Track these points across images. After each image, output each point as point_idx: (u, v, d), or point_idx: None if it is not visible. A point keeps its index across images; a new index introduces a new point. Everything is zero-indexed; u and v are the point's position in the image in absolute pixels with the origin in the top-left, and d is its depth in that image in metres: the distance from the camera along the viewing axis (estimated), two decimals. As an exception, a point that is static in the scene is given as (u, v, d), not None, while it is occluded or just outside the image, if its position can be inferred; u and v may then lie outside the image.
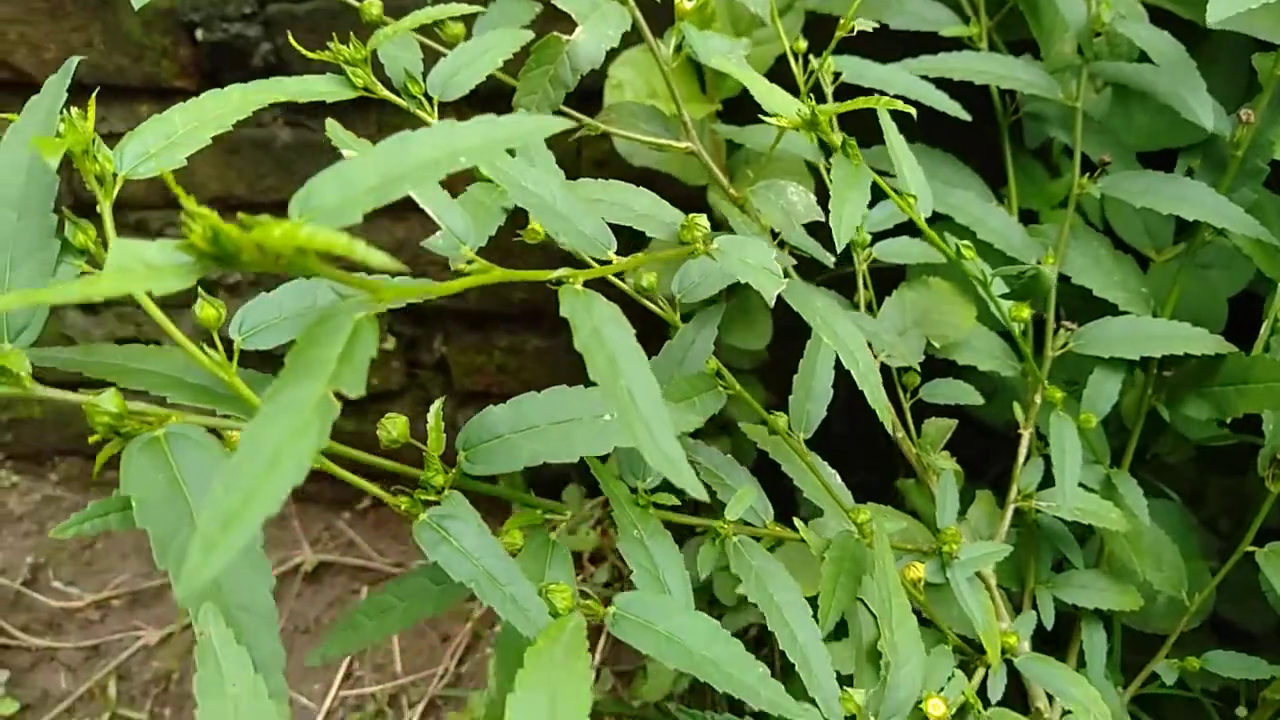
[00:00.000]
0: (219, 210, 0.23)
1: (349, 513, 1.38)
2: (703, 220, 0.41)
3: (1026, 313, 0.59)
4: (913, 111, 0.47)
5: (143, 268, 0.24)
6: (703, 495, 0.28)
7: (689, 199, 0.63)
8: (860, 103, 0.46)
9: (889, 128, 0.52)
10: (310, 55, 0.45)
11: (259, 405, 0.23)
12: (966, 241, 0.53)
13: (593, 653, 1.23)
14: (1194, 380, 0.69)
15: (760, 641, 1.06)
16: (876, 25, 0.55)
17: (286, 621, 1.31)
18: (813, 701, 0.44)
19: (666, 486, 0.48)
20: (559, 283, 0.32)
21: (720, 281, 0.50)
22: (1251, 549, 0.71)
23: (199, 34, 0.96)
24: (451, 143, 0.25)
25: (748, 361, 1.00)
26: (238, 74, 0.95)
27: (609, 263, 0.37)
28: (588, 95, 0.86)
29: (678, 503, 0.46)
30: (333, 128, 0.36)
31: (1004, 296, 0.59)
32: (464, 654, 1.24)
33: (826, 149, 0.51)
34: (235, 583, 0.30)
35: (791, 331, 0.65)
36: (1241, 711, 0.81)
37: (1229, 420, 0.70)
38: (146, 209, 1.09)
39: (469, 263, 0.33)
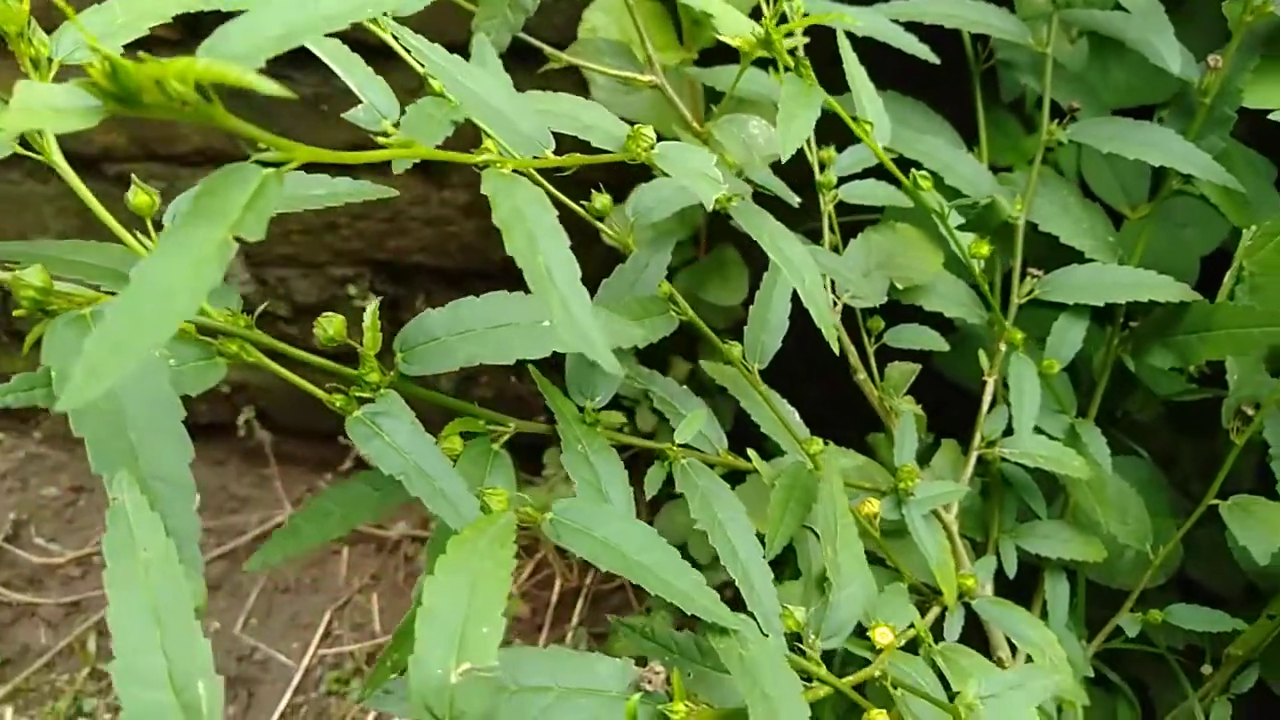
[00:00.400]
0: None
1: (331, 474, 1.38)
2: (649, 131, 0.41)
3: (985, 249, 0.59)
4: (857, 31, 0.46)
5: (48, 110, 0.24)
6: (617, 369, 0.28)
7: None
8: (816, 19, 0.46)
9: (848, 55, 0.51)
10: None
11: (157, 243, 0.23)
12: (924, 172, 0.53)
13: (570, 615, 1.23)
14: (1159, 329, 0.69)
15: (737, 603, 1.07)
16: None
17: (267, 580, 1.31)
18: (753, 617, 0.44)
19: (615, 404, 0.48)
20: (485, 165, 0.32)
21: (675, 204, 0.50)
22: (1216, 502, 0.71)
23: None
24: (358, -5, 0.25)
25: (723, 320, 1.00)
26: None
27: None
28: (564, 44, 0.86)
29: (624, 420, 0.46)
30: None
31: (961, 229, 0.59)
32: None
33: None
34: (153, 453, 0.30)
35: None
36: (1207, 668, 0.81)
37: (1193, 370, 0.70)
38: (127, 161, 1.09)
39: (387, 135, 0.33)
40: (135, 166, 1.09)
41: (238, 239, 0.23)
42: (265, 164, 0.26)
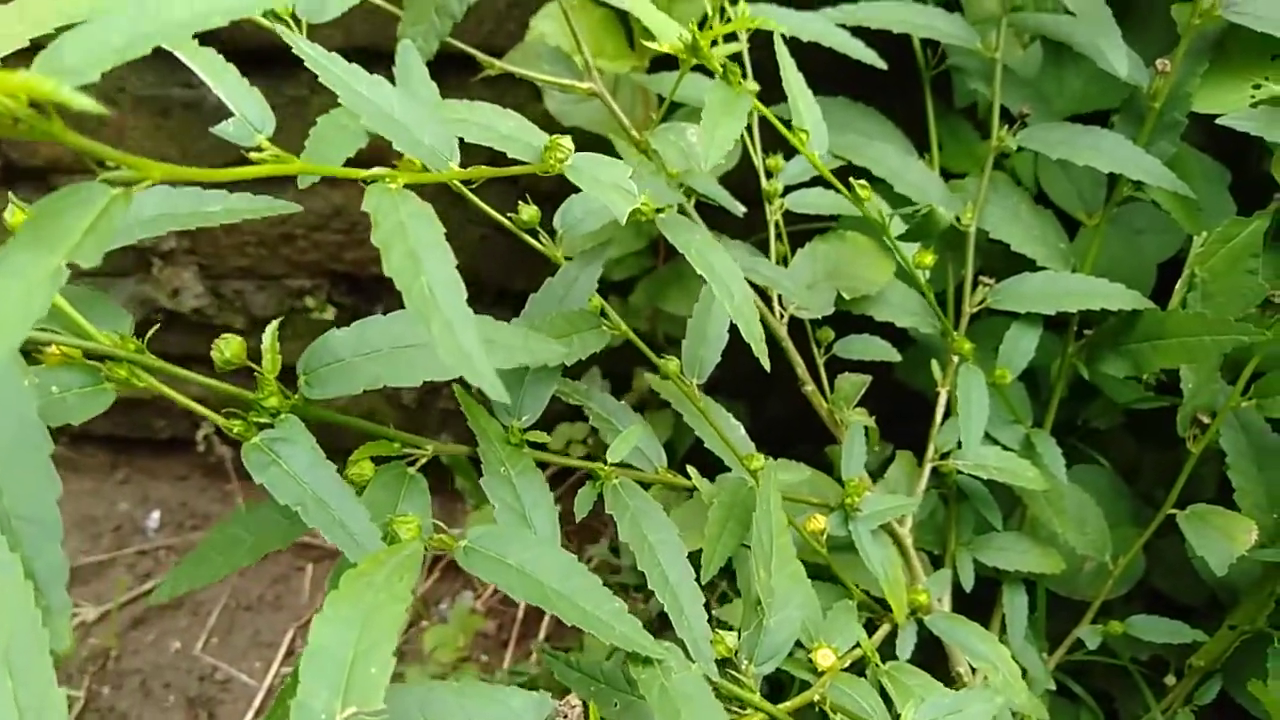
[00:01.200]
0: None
1: (293, 489, 1.36)
2: (565, 142, 0.40)
3: (930, 258, 0.58)
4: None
5: None
6: (503, 396, 0.27)
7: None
8: (739, 24, 0.44)
9: (785, 59, 0.50)
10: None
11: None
12: (863, 181, 0.52)
13: (536, 631, 1.22)
14: (1112, 338, 0.68)
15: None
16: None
17: (229, 598, 1.29)
18: (682, 644, 0.42)
19: (542, 425, 0.46)
20: (371, 180, 0.30)
21: (604, 215, 0.48)
22: (1174, 511, 0.70)
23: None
24: (210, 1, 0.23)
25: (683, 330, 0.98)
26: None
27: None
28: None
29: (546, 438, 0.44)
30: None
31: (904, 238, 0.58)
32: (405, 630, 1.22)
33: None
34: (17, 490, 0.28)
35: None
36: (1170, 680, 0.80)
37: (1147, 377, 0.69)
38: (79, 173, 1.07)
39: (260, 150, 0.31)
40: (85, 178, 1.07)
41: (72, 267, 0.22)
42: (115, 184, 0.24)
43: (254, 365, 0.37)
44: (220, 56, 0.34)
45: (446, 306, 0.27)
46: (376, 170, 0.31)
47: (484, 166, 0.36)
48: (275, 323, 0.36)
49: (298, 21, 0.45)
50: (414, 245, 0.28)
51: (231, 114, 0.33)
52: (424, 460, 0.42)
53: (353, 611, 0.31)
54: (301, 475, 0.35)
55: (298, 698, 0.29)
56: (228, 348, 0.36)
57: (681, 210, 0.53)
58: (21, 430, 0.29)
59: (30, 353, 0.33)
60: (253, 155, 0.31)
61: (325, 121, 0.40)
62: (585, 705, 0.37)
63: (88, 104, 0.19)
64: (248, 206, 0.36)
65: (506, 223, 0.47)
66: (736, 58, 0.58)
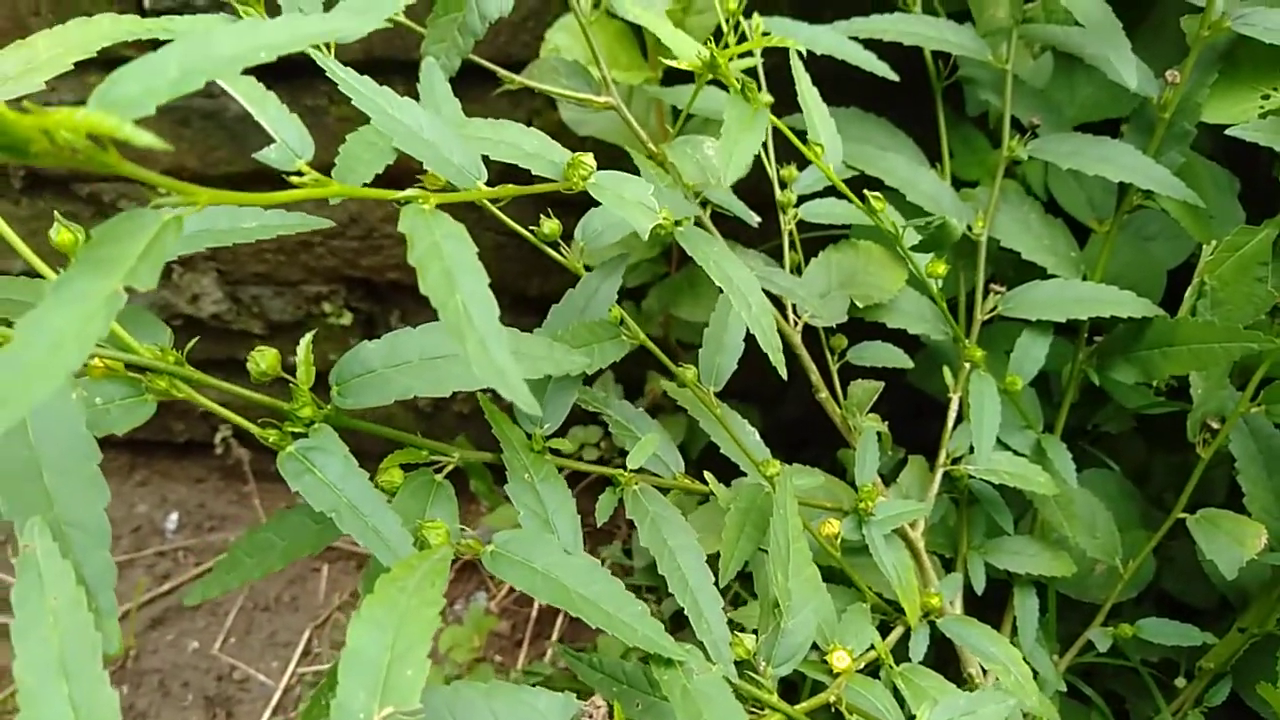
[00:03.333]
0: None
1: (310, 491, 1.37)
2: (588, 159, 0.41)
3: (942, 268, 0.59)
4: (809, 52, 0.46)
5: (-65, 158, 0.23)
6: (535, 408, 0.28)
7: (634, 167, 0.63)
8: (756, 43, 0.45)
9: (800, 75, 0.51)
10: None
11: (45, 296, 0.22)
12: (877, 194, 0.53)
13: (550, 631, 1.23)
14: (1122, 345, 0.69)
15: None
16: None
17: (246, 599, 1.31)
18: (701, 646, 0.43)
19: (564, 432, 0.47)
20: (406, 201, 0.31)
21: (624, 228, 0.49)
22: (1184, 515, 0.71)
23: (146, 3, 0.95)
24: (255, 38, 0.24)
25: (698, 336, 1.00)
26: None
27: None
28: (533, 60, 0.86)
29: (574, 451, 0.46)
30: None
31: (916, 248, 0.59)
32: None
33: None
34: (67, 499, 0.29)
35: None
36: (1180, 682, 0.81)
37: (1156, 384, 0.70)
38: (101, 181, 1.09)
39: (301, 175, 0.32)
40: (106, 186, 1.09)
41: (129, 290, 0.23)
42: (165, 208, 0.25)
43: (288, 376, 0.38)
44: (260, 85, 0.36)
45: (481, 324, 0.28)
46: (410, 192, 0.32)
47: (509, 185, 0.37)
48: (309, 336, 0.38)
49: (326, 43, 0.46)
50: (449, 265, 0.29)
51: (271, 139, 0.34)
52: (450, 467, 0.44)
53: (388, 615, 0.32)
54: (336, 483, 0.36)
55: (337, 699, 0.30)
56: (263, 359, 0.37)
57: (698, 221, 0.54)
58: (72, 442, 0.30)
59: (76, 365, 0.34)
60: (293, 179, 0.32)
61: (354, 139, 0.41)
62: (610, 706, 0.38)
63: (150, 140, 0.20)
64: (280, 223, 0.38)
65: (529, 235, 0.48)
66: (751, 71, 0.59)
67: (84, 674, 0.26)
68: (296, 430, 0.37)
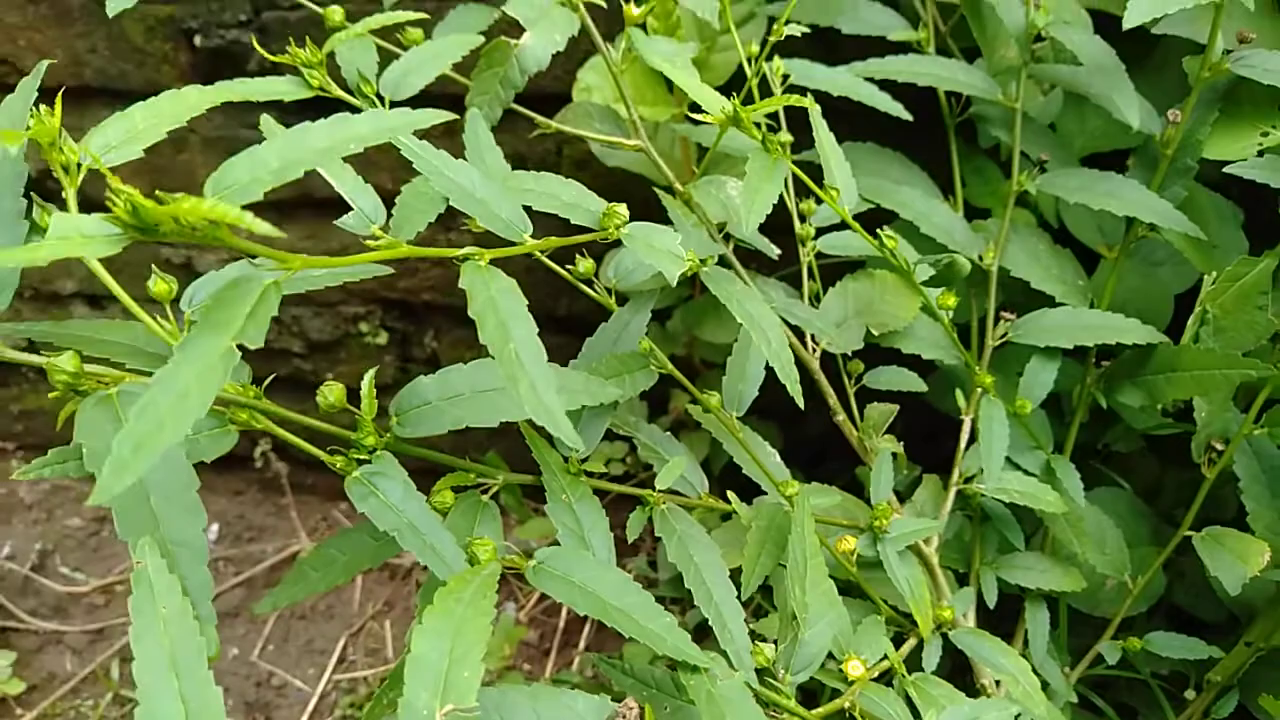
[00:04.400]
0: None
1: (345, 503, 1.42)
2: (621, 209, 0.45)
3: (952, 300, 0.62)
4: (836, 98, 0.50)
5: (78, 236, 0.28)
6: (579, 444, 0.32)
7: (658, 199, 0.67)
8: (778, 101, 0.49)
9: (818, 124, 0.55)
10: (271, 58, 0.50)
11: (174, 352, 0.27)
12: (890, 232, 0.56)
13: (577, 640, 1.27)
14: (1129, 370, 0.72)
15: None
16: (808, 29, 0.58)
17: (284, 608, 1.35)
18: (724, 654, 0.47)
19: (620, 436, 0.51)
20: (464, 259, 0.35)
21: (652, 269, 0.53)
22: (1190, 533, 0.74)
23: (197, 40, 1.01)
24: (344, 132, 0.29)
25: (720, 356, 1.03)
26: (233, 78, 1.00)
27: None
28: (562, 99, 0.90)
29: (604, 469, 0.49)
30: (266, 122, 0.40)
31: (929, 283, 0.62)
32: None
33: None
34: (171, 520, 0.34)
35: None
36: (1190, 694, 0.83)
37: (1162, 407, 0.73)
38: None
39: (375, 239, 0.37)
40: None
41: (240, 346, 0.27)
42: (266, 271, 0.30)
43: (352, 409, 0.42)
44: (342, 162, 0.40)
45: (531, 370, 0.32)
46: (468, 250, 0.36)
47: (553, 238, 0.42)
48: (371, 373, 0.42)
49: (381, 99, 0.51)
50: (504, 317, 0.33)
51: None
52: (496, 489, 0.48)
53: (445, 624, 0.36)
54: (397, 505, 0.40)
55: (404, 698, 0.34)
56: (331, 393, 0.41)
57: (721, 257, 0.58)
58: (174, 470, 0.34)
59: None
60: (368, 243, 0.36)
61: (409, 190, 0.45)
62: (641, 709, 0.42)
63: (267, 229, 0.25)
64: (348, 272, 0.42)
65: (565, 274, 0.52)
66: (773, 115, 0.63)
67: (192, 673, 0.31)
68: (360, 456, 0.41)
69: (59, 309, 1.20)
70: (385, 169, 1.00)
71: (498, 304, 0.33)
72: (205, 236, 0.28)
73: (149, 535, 0.33)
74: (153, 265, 0.40)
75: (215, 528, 1.43)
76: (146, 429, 0.25)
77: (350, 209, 0.39)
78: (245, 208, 0.26)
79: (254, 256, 0.31)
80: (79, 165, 0.38)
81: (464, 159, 0.44)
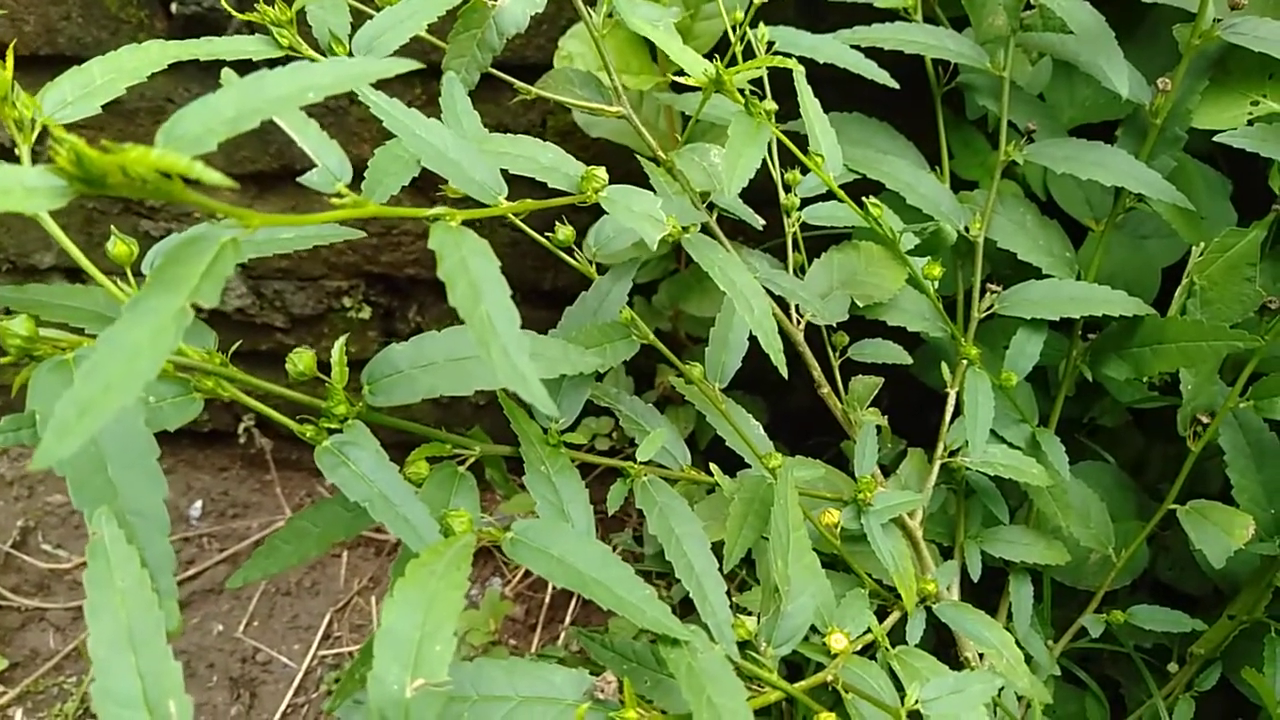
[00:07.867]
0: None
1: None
2: (600, 173, 0.44)
3: (938, 270, 0.62)
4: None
5: (21, 189, 0.26)
6: (553, 411, 0.31)
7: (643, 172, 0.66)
8: (761, 61, 0.48)
9: (803, 88, 0.54)
10: (239, 15, 0.48)
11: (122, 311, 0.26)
12: (875, 200, 0.55)
13: (563, 615, 1.26)
14: (1114, 342, 0.71)
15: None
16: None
17: (269, 584, 1.34)
18: (706, 628, 0.47)
19: (578, 424, 0.50)
20: (434, 219, 0.34)
21: (635, 235, 0.52)
22: (1175, 506, 0.74)
23: (173, 7, 0.98)
24: (303, 80, 0.27)
25: (706, 330, 1.02)
26: (210, 46, 0.98)
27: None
28: (545, 68, 0.88)
29: (584, 437, 0.49)
30: (227, 75, 0.38)
31: (914, 252, 0.61)
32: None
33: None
34: (129, 490, 0.33)
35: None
36: (1173, 667, 0.84)
37: (1148, 380, 0.73)
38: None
39: (340, 196, 0.35)
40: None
41: (194, 306, 0.26)
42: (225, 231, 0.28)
43: (322, 376, 0.41)
44: (303, 114, 0.39)
45: (504, 333, 0.31)
46: (438, 210, 0.35)
47: (529, 200, 0.40)
48: (341, 340, 0.41)
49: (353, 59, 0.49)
50: (475, 279, 0.32)
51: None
52: (472, 459, 0.47)
53: (418, 596, 0.35)
54: (368, 475, 0.39)
55: (373, 671, 0.33)
56: (301, 361, 0.40)
57: (704, 226, 0.57)
58: (133, 438, 0.33)
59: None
60: (334, 200, 0.35)
61: (381, 154, 0.44)
62: (620, 681, 0.41)
63: (217, 178, 0.23)
64: (315, 235, 0.41)
65: (545, 241, 0.51)
66: (756, 79, 0.62)
67: (149, 647, 0.30)
68: (331, 426, 0.40)
69: (37, 282, 1.18)
70: (367, 140, 0.98)
71: (469, 265, 0.32)
72: (157, 190, 0.26)
73: (106, 505, 0.32)
74: (132, 237, 0.38)
75: (199, 504, 1.42)
76: (93, 391, 0.24)
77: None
78: (213, 170, 0.25)
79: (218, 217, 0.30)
80: (33, 121, 0.37)
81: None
